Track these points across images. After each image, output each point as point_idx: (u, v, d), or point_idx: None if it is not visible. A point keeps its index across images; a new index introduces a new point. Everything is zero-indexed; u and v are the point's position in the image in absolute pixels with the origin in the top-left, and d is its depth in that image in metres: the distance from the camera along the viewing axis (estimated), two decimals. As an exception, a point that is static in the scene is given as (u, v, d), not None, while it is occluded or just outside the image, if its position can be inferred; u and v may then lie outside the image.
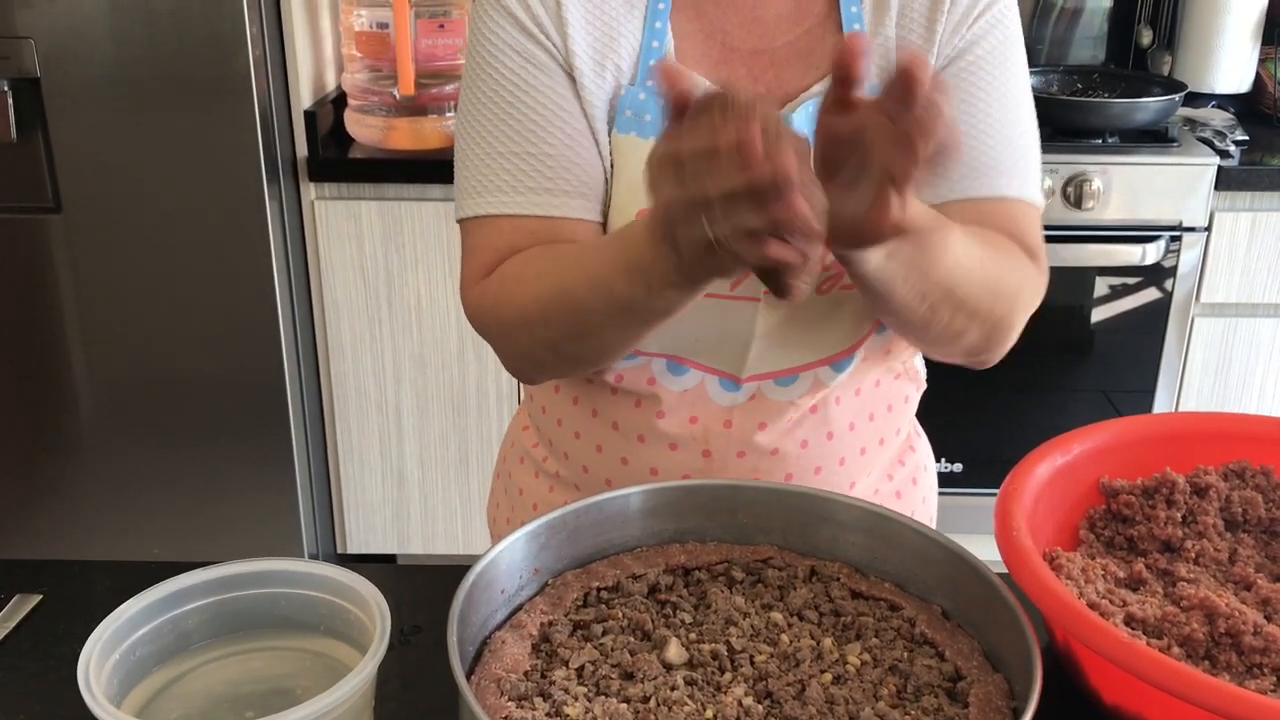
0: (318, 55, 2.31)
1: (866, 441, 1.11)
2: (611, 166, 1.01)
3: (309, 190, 2.26)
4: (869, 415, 1.11)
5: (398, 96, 2.24)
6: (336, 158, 2.27)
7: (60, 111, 2.09)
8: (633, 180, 1.00)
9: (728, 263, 0.75)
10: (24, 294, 2.20)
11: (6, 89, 2.06)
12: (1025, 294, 1.00)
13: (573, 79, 1.00)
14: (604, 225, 1.03)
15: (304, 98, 2.22)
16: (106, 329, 2.22)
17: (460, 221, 1.04)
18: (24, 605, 0.99)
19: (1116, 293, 2.42)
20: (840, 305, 1.03)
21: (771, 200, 0.70)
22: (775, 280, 0.77)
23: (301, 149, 2.23)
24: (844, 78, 0.75)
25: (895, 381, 1.13)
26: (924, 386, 1.18)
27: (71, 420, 2.29)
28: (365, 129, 2.27)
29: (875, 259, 0.85)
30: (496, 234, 1.00)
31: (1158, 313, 2.42)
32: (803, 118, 0.98)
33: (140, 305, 2.21)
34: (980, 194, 1.01)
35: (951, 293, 0.92)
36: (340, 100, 2.36)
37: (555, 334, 0.96)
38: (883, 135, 0.73)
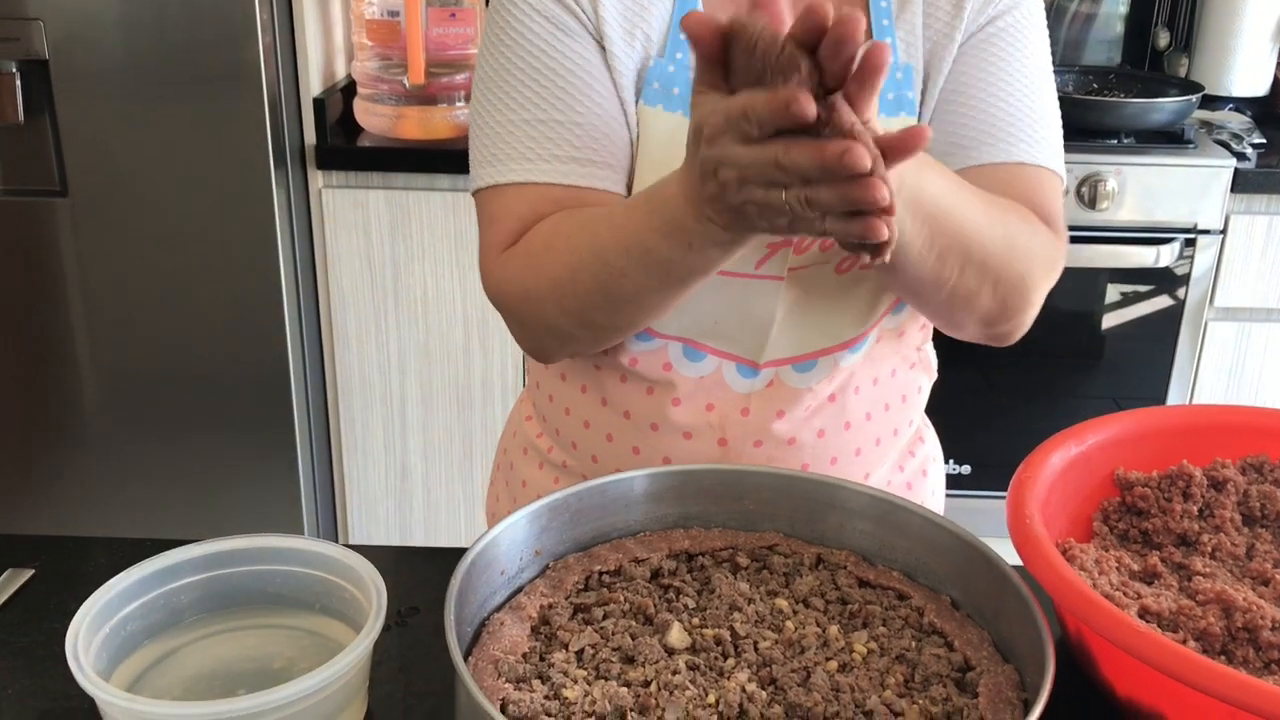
0: (328, 43, 2.30)
1: (881, 432, 1.10)
2: (637, 138, 0.99)
3: (317, 178, 2.24)
4: (885, 405, 1.09)
5: (408, 85, 2.22)
6: (345, 146, 2.26)
7: (68, 95, 2.07)
8: (657, 154, 0.98)
9: (795, 226, 0.74)
10: (29, 277, 2.19)
11: (15, 71, 2.04)
12: (1041, 258, 0.97)
13: (602, 48, 0.98)
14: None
15: (313, 85, 2.21)
16: (111, 314, 2.21)
17: (478, 192, 1.00)
18: (16, 580, 0.97)
19: (1129, 297, 2.40)
20: (858, 284, 1.02)
21: (853, 184, 0.69)
22: (858, 247, 0.76)
23: (310, 137, 2.22)
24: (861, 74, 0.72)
25: (910, 371, 1.11)
26: (935, 377, 1.16)
27: (74, 407, 2.28)
28: (374, 118, 2.26)
29: None
30: (521, 202, 0.97)
31: (1171, 317, 2.40)
32: None
33: (145, 291, 2.19)
34: (999, 159, 0.99)
35: (961, 242, 0.89)
36: (350, 89, 2.34)
37: (585, 303, 0.93)
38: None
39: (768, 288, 1.00)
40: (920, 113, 1.01)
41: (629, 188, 1.00)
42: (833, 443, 1.07)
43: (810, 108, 0.68)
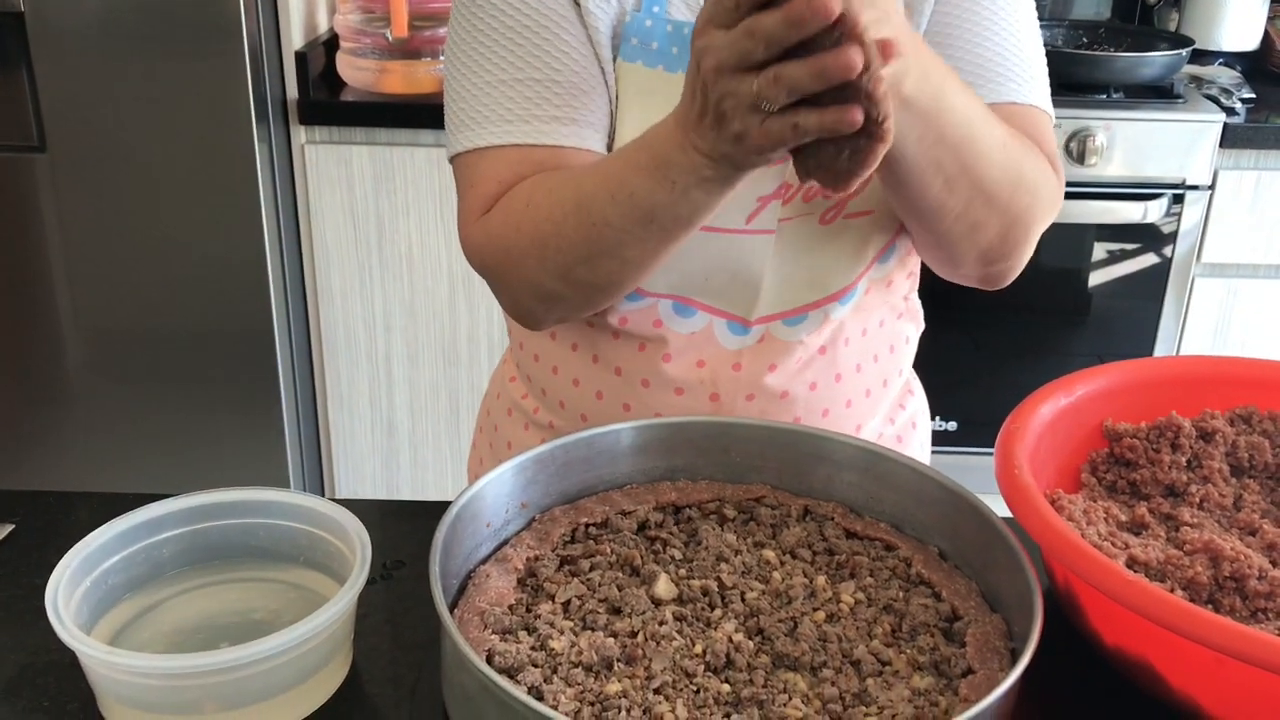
0: (309, -5, 2.27)
1: (871, 383, 1.09)
2: (616, 97, 0.97)
3: (299, 134, 2.22)
4: (874, 356, 1.09)
5: (390, 39, 2.19)
6: (327, 100, 2.23)
7: (45, 48, 2.04)
8: (638, 110, 0.96)
9: (771, 139, 0.73)
10: (8, 233, 2.16)
11: (-11, 24, 2.01)
12: (1045, 193, 0.96)
13: (576, 3, 0.96)
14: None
15: (295, 39, 2.17)
16: (92, 271, 2.19)
17: (455, 158, 0.98)
18: (-5, 534, 0.96)
19: (1116, 254, 2.39)
20: (843, 234, 1.01)
21: (826, 48, 0.68)
22: (831, 166, 0.74)
23: (292, 91, 2.19)
24: None
25: (898, 321, 1.11)
26: (922, 327, 1.16)
27: (56, 363, 2.26)
28: (357, 72, 2.23)
29: None
30: (502, 165, 0.95)
31: (1158, 273, 2.39)
32: None
33: (127, 247, 2.17)
34: (991, 99, 0.97)
35: (969, 168, 0.88)
36: (332, 42, 2.31)
37: (569, 256, 0.91)
38: None
39: (758, 242, 0.99)
40: None
41: (609, 147, 0.98)
42: (824, 395, 1.06)
43: None
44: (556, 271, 0.92)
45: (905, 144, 0.84)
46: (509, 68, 0.95)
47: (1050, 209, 0.98)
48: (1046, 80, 1.02)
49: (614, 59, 0.97)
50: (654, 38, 0.95)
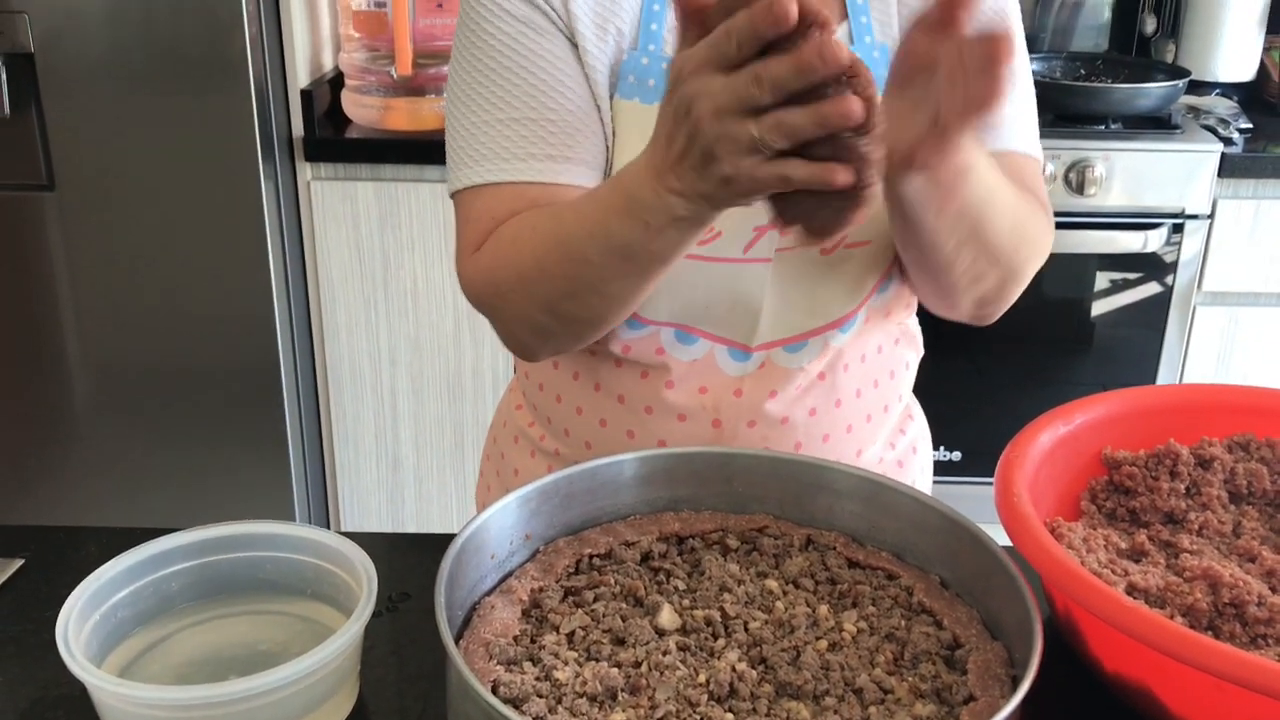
0: (315, 34, 2.29)
1: (872, 408, 1.10)
2: (613, 134, 0.99)
3: (305, 170, 2.24)
4: (874, 382, 1.10)
5: (395, 76, 2.22)
6: (333, 138, 2.25)
7: (55, 88, 2.07)
8: (635, 146, 0.97)
9: (759, 185, 0.73)
10: (17, 271, 2.18)
11: (0, 64, 2.04)
12: (1041, 244, 1.00)
13: (574, 44, 0.98)
14: None
15: (301, 77, 2.20)
16: (100, 307, 2.20)
17: (455, 194, 1.00)
18: (5, 569, 0.97)
19: (1118, 283, 2.40)
20: (844, 264, 1.02)
21: (827, 98, 0.68)
22: (810, 219, 0.74)
23: (298, 128, 2.22)
24: None
25: (896, 347, 1.12)
26: (921, 352, 1.17)
27: (64, 401, 2.27)
28: (362, 109, 2.26)
29: (915, 182, 0.82)
30: (496, 202, 0.97)
31: (1159, 302, 2.40)
32: None
33: (134, 284, 2.19)
34: (989, 147, 0.98)
35: (980, 232, 0.90)
36: (337, 80, 2.34)
37: (553, 291, 0.92)
38: (958, 66, 0.71)
39: (756, 271, 1.00)
40: None
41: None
42: (825, 420, 1.07)
43: (792, 7, 0.66)
44: (543, 306, 0.94)
45: (924, 213, 0.86)
46: (505, 107, 0.97)
47: (1044, 256, 1.02)
48: (1037, 124, 1.04)
49: (612, 96, 0.99)
50: (650, 75, 0.97)
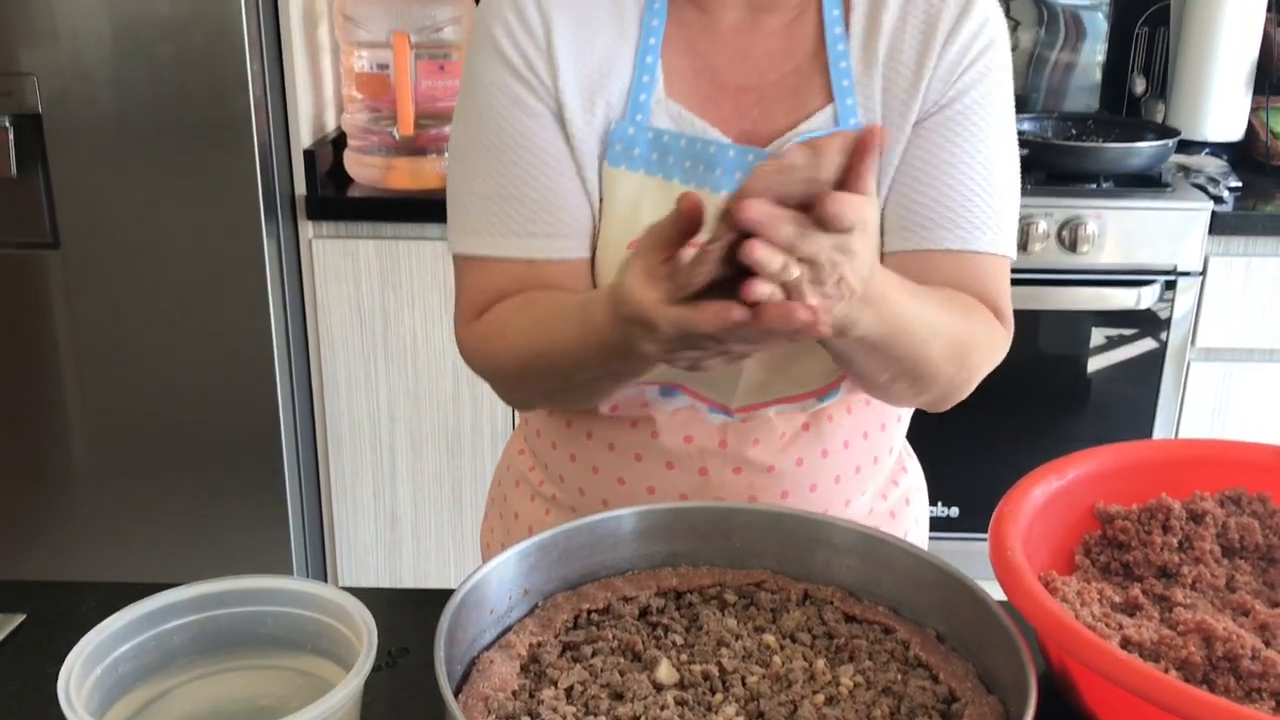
0: (318, 96, 2.33)
1: (861, 459, 1.11)
2: (601, 199, 1.03)
3: (307, 229, 2.26)
4: (863, 433, 1.11)
5: (397, 137, 2.25)
6: (335, 196, 2.28)
7: (61, 148, 2.10)
8: (623, 213, 1.02)
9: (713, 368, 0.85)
10: (22, 328, 2.20)
11: (8, 125, 2.07)
12: (988, 357, 1.02)
13: (562, 117, 1.02)
14: (593, 257, 1.04)
15: (304, 137, 2.24)
16: (103, 364, 2.22)
17: (454, 256, 1.07)
18: (6, 625, 0.97)
19: (1112, 339, 2.42)
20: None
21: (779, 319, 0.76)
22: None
23: (300, 188, 2.24)
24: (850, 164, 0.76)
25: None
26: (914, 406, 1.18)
27: (66, 456, 2.28)
28: (364, 168, 2.29)
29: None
30: (485, 276, 1.04)
31: (1154, 358, 2.42)
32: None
33: (137, 341, 2.20)
34: (953, 246, 1.01)
35: (915, 367, 0.95)
36: (340, 140, 2.37)
37: (542, 388, 1.01)
38: (817, 237, 0.75)
39: None
40: (879, 179, 1.02)
41: (594, 245, 1.04)
42: (811, 470, 1.09)
43: (740, 313, 0.75)
44: (534, 394, 1.05)
45: (854, 358, 0.93)
46: (491, 182, 1.02)
47: (993, 363, 1.04)
48: (1014, 219, 1.05)
49: (602, 162, 1.02)
50: (636, 144, 1.01)
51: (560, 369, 0.97)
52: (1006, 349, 1.04)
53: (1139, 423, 2.46)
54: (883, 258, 1.05)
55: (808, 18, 1.03)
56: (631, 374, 0.96)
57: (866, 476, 1.12)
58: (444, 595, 0.83)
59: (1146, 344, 2.42)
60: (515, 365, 1.01)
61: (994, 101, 1.02)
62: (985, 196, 1.02)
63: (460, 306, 1.06)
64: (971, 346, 0.99)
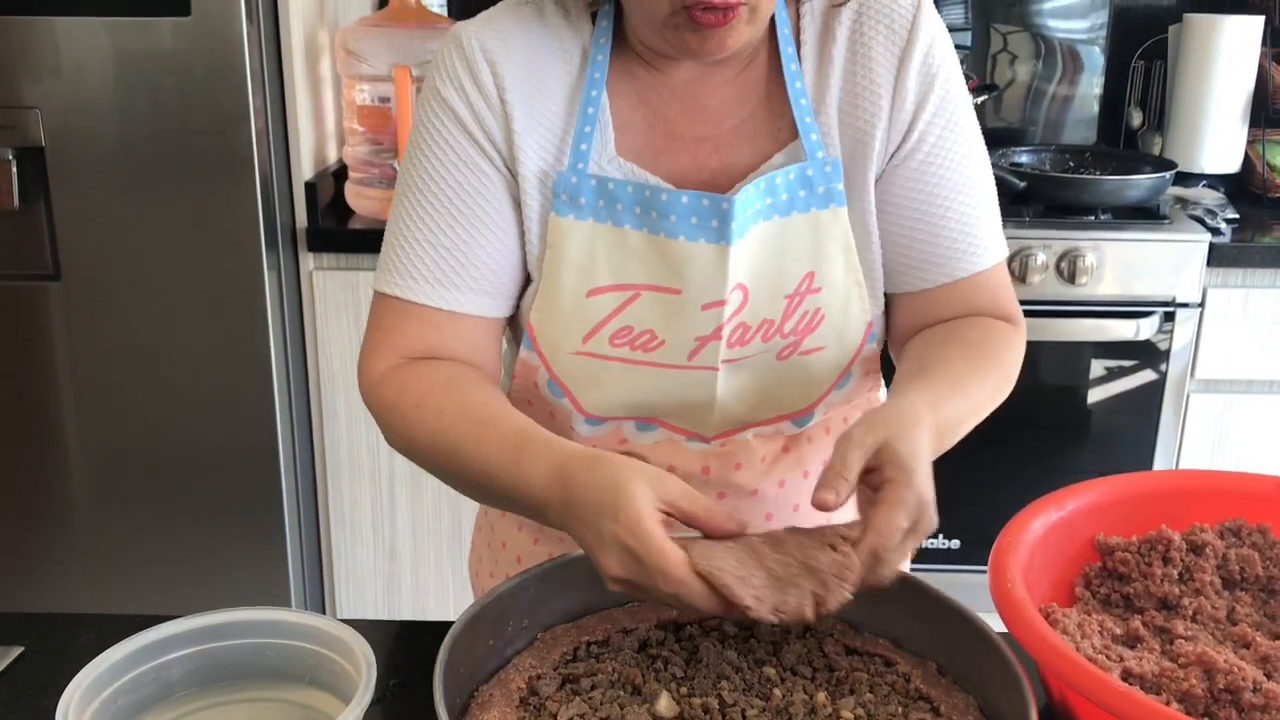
0: (319, 128, 2.34)
1: None
2: (547, 249, 1.02)
3: (308, 260, 2.27)
4: None
5: (397, 169, 2.26)
6: (336, 229, 2.29)
7: (64, 181, 2.11)
8: (578, 261, 1.01)
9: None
10: (21, 360, 2.20)
11: (11, 158, 2.08)
12: (1016, 366, 1.04)
13: (515, 172, 1.01)
14: (523, 304, 1.05)
15: (305, 170, 2.24)
16: (102, 396, 2.22)
17: (376, 292, 1.05)
18: (4, 657, 0.97)
19: (1112, 371, 2.42)
20: (800, 369, 1.05)
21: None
22: None
23: (301, 219, 2.25)
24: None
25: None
26: None
27: (64, 486, 2.27)
28: (365, 200, 2.30)
29: None
30: (404, 319, 1.03)
31: (1153, 390, 2.42)
32: (753, 193, 0.99)
33: (137, 373, 2.20)
34: (958, 276, 1.04)
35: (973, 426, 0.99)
36: (341, 172, 2.38)
37: (439, 471, 0.99)
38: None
39: (703, 377, 1.04)
40: (849, 203, 1.03)
41: (525, 295, 1.05)
42: (793, 491, 1.11)
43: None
44: (427, 468, 1.01)
45: None
46: (427, 230, 1.02)
47: (1019, 366, 1.06)
48: (999, 222, 1.07)
49: (547, 215, 1.02)
50: (581, 193, 1.00)
51: (469, 480, 0.95)
52: (1024, 344, 1.06)
53: (1139, 454, 2.46)
54: (888, 299, 1.06)
55: (759, 62, 1.03)
56: (537, 520, 0.93)
57: None
58: (442, 628, 0.83)
59: (1146, 375, 2.42)
60: (425, 442, 0.98)
61: (957, 126, 1.03)
62: (976, 219, 1.04)
63: (373, 339, 1.05)
64: (1005, 379, 1.02)
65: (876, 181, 1.03)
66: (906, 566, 1.19)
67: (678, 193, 0.98)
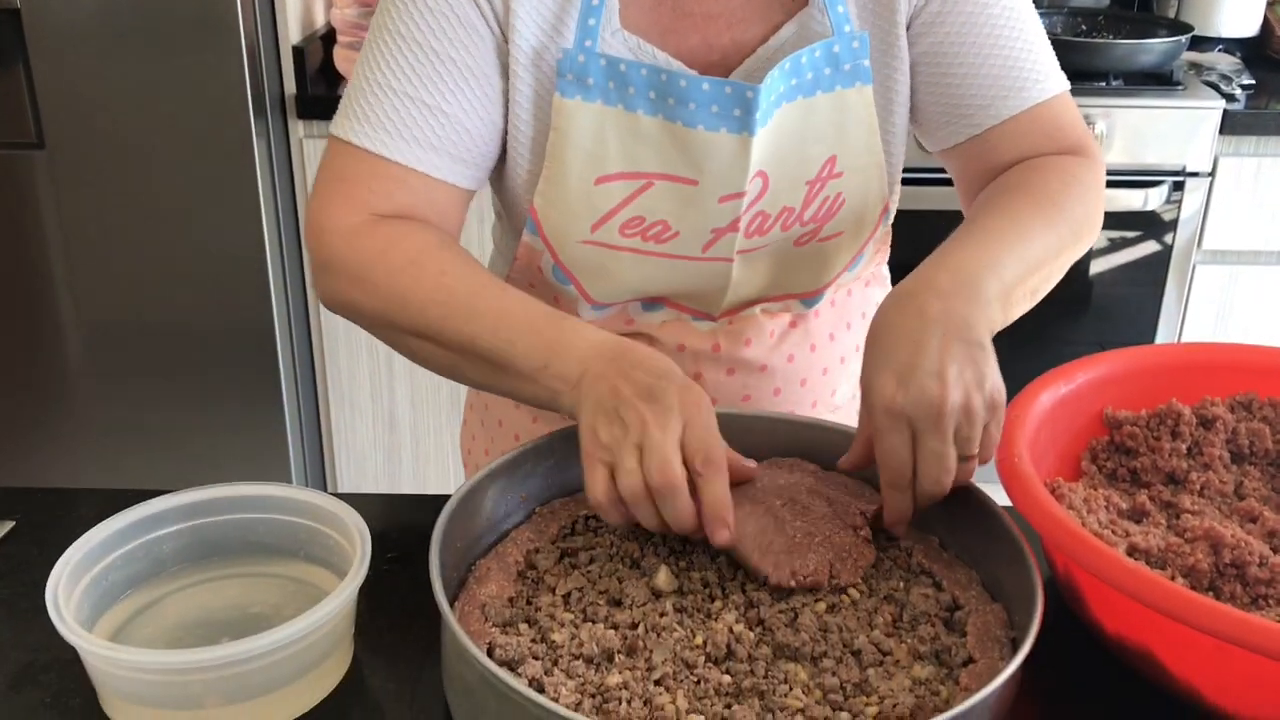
0: (306, -11, 2.26)
1: (845, 350, 1.12)
2: (553, 130, 0.96)
3: (297, 128, 2.21)
4: (846, 324, 1.12)
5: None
6: (325, 95, 2.22)
7: (42, 45, 2.04)
8: (585, 146, 0.95)
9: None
10: (8, 231, 2.16)
11: (-15, 21, 2.01)
12: (1092, 206, 1.00)
13: (509, 41, 0.94)
14: (530, 188, 0.99)
15: (292, 33, 2.17)
16: (92, 267, 2.19)
17: (337, 138, 0.96)
18: (-4, 532, 0.96)
19: (1116, 242, 2.39)
20: (815, 253, 1.03)
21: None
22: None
23: (290, 86, 2.19)
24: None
25: (866, 289, 1.14)
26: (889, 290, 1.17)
27: (56, 359, 2.26)
28: (354, 65, 2.22)
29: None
30: (373, 175, 0.94)
31: (1159, 260, 2.39)
32: (778, 76, 0.93)
33: (126, 243, 2.17)
34: (1014, 111, 0.99)
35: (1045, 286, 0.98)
36: (329, 36, 2.31)
37: (424, 338, 0.91)
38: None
39: (717, 268, 1.01)
40: (875, 80, 0.98)
41: (540, 176, 0.98)
42: (802, 365, 1.10)
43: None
44: (401, 345, 0.94)
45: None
46: (406, 82, 0.93)
47: (1101, 197, 1.02)
48: (1053, 53, 1.01)
49: (552, 93, 0.96)
50: (589, 73, 0.94)
51: (474, 338, 0.88)
52: (1103, 170, 1.02)
53: (1141, 325, 2.44)
54: (951, 154, 1.03)
55: None
56: (524, 388, 0.88)
57: (850, 364, 1.13)
58: (439, 501, 0.81)
59: (1151, 246, 2.38)
60: (422, 299, 0.90)
61: None
62: (1024, 45, 0.98)
63: (329, 191, 0.95)
64: (1075, 220, 0.97)
65: (910, 28, 0.98)
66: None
67: (698, 79, 0.92)
